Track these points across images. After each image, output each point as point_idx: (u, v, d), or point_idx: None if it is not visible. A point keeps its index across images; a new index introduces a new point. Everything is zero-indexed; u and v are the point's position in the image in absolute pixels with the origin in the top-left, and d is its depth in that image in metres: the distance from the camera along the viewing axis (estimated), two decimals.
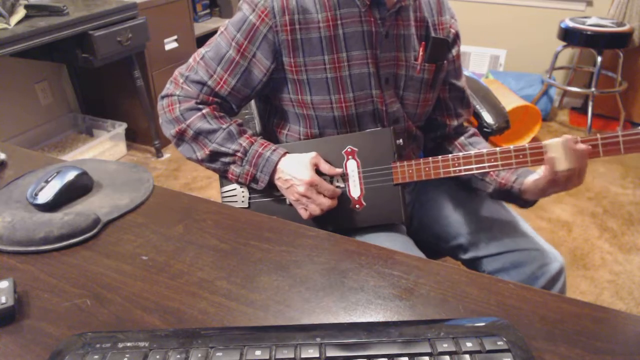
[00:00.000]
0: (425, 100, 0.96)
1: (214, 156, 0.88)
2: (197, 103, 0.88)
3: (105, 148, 2.52)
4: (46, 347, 0.46)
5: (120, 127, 2.57)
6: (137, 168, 0.80)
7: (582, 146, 0.74)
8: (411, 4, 0.89)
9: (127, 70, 2.31)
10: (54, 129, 2.64)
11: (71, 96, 2.73)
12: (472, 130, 1.05)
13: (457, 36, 0.97)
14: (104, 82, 2.60)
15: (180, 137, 0.89)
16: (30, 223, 0.62)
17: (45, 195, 0.67)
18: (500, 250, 0.91)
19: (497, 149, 0.80)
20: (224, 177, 0.93)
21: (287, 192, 0.87)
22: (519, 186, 0.88)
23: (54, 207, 0.67)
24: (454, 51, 0.98)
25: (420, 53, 0.91)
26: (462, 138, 1.02)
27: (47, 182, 0.68)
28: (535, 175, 0.84)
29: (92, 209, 0.67)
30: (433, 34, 0.92)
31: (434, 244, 1.02)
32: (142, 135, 2.67)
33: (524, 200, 0.89)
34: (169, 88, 0.91)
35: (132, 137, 2.70)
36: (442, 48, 0.93)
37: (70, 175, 0.70)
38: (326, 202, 0.84)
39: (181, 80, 0.89)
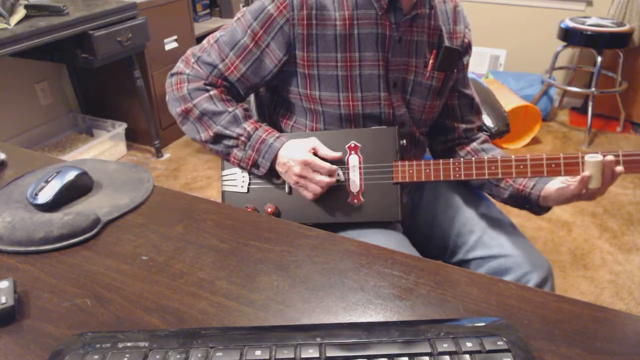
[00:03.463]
0: (432, 107, 0.96)
1: (217, 138, 0.89)
2: (205, 84, 0.89)
3: (105, 148, 2.52)
4: (46, 347, 0.46)
5: (120, 127, 2.56)
6: (137, 168, 0.80)
7: (620, 169, 0.75)
8: (427, 12, 0.89)
9: (127, 70, 2.31)
10: (54, 129, 2.64)
11: (71, 96, 2.73)
12: (483, 137, 1.05)
13: (469, 46, 0.98)
14: (104, 82, 2.60)
15: (185, 115, 0.90)
16: (30, 223, 0.62)
17: (45, 195, 0.67)
18: (485, 255, 0.90)
19: (498, 156, 0.81)
20: (226, 160, 0.94)
21: (286, 177, 0.88)
22: (538, 192, 0.88)
23: (54, 207, 0.67)
24: (464, 60, 0.98)
25: (431, 61, 0.92)
26: (475, 144, 1.02)
27: (47, 182, 0.68)
28: (558, 184, 0.84)
29: (92, 209, 0.67)
30: (447, 43, 0.92)
31: (425, 245, 1.02)
32: (142, 135, 2.67)
33: (540, 206, 0.90)
34: (179, 66, 0.92)
35: (132, 137, 2.70)
36: (453, 57, 0.93)
37: (70, 175, 0.70)
38: (324, 179, 0.85)
39: (192, 60, 0.90)
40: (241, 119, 0.88)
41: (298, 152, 0.85)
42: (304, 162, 0.84)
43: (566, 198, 0.83)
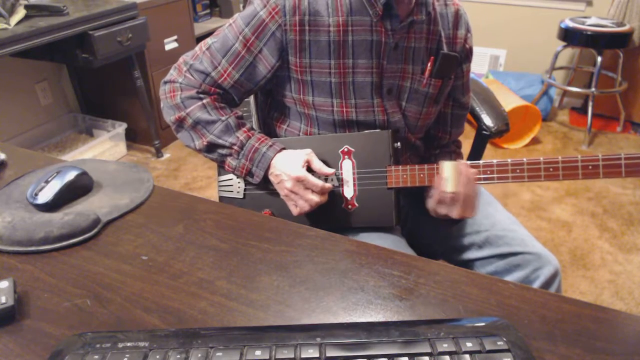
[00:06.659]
0: (428, 113, 0.95)
1: (211, 147, 0.89)
2: (198, 92, 0.89)
3: (105, 148, 2.52)
4: (46, 347, 0.46)
5: (120, 127, 2.56)
6: (137, 168, 0.80)
7: (471, 171, 0.79)
8: (424, 18, 0.87)
9: (127, 70, 2.31)
10: (54, 129, 2.64)
11: (71, 96, 2.73)
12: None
13: (470, 51, 0.96)
14: (104, 82, 2.60)
15: (180, 124, 0.90)
16: (30, 223, 0.62)
17: (45, 195, 0.67)
18: (494, 254, 0.90)
19: (494, 161, 0.81)
20: (221, 168, 0.94)
21: (278, 188, 0.88)
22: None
23: (54, 207, 0.67)
24: (464, 66, 0.96)
25: (428, 67, 0.90)
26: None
27: (47, 182, 0.68)
28: (430, 195, 0.87)
29: (92, 209, 0.67)
30: (445, 49, 0.91)
31: (428, 246, 1.02)
32: (142, 135, 2.67)
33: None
34: (172, 74, 0.91)
35: (132, 137, 2.70)
36: (451, 64, 0.92)
37: (70, 175, 0.70)
38: (314, 199, 0.84)
39: (185, 68, 0.90)
40: (234, 127, 0.88)
41: (292, 166, 0.84)
42: (297, 179, 0.83)
43: (432, 207, 0.86)
